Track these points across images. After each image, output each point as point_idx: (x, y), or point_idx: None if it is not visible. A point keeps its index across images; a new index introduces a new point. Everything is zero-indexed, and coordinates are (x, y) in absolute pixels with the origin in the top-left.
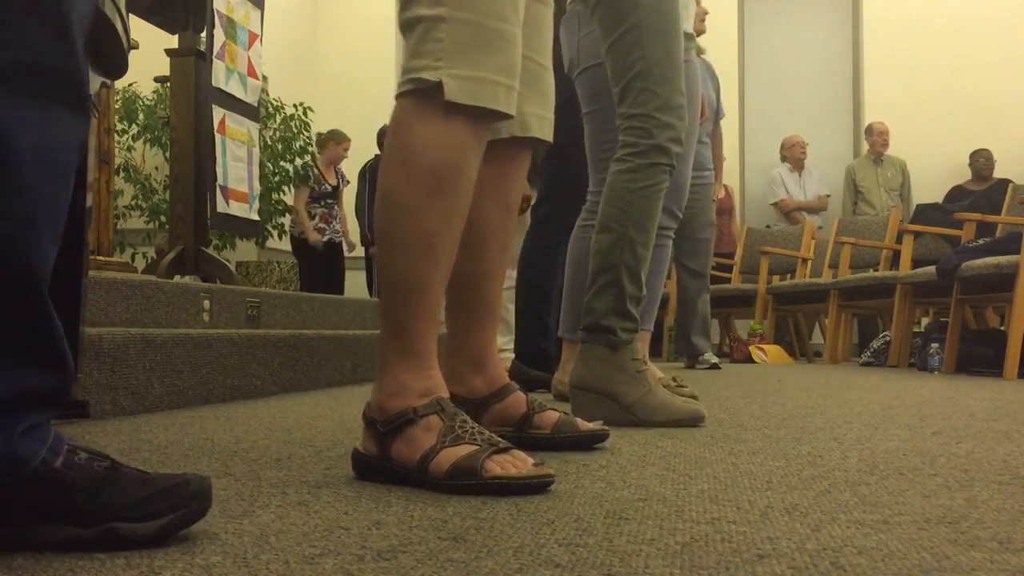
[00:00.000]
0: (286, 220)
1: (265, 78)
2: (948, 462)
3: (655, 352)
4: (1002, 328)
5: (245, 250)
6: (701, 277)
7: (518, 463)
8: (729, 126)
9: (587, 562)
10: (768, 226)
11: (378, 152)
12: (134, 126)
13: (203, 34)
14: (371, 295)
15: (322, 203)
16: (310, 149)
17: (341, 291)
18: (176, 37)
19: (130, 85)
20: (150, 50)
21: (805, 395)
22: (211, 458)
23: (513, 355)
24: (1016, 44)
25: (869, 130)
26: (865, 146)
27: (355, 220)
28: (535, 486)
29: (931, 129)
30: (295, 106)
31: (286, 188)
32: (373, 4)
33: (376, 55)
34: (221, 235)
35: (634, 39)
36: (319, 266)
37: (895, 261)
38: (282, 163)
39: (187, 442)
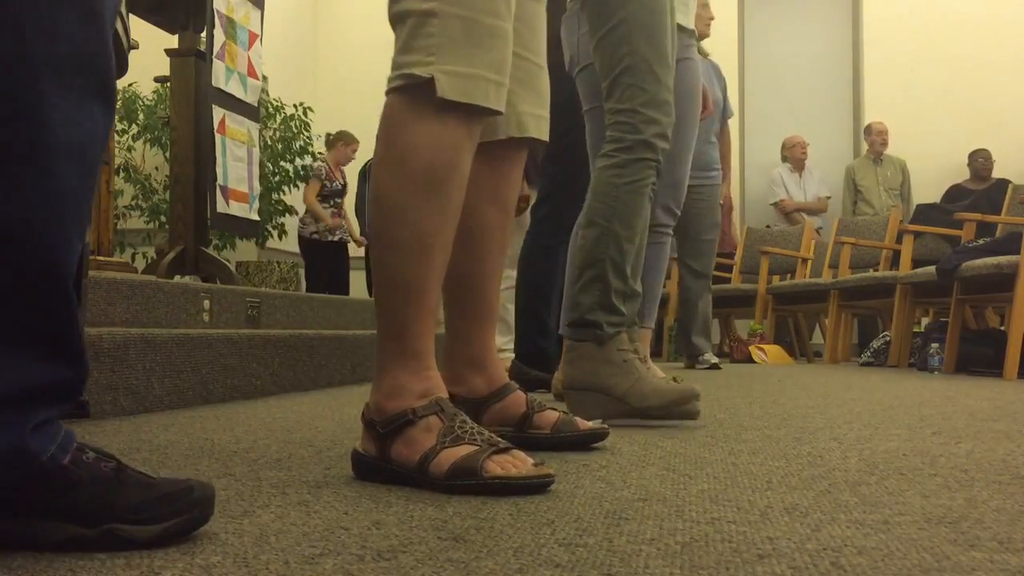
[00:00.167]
0: (286, 220)
1: (265, 78)
2: (948, 462)
3: (655, 352)
4: (1002, 328)
5: (245, 250)
6: (704, 278)
7: (518, 463)
8: (729, 126)
9: (587, 562)
10: (768, 226)
11: None
12: (134, 126)
13: (203, 34)
14: (371, 295)
15: (332, 202)
16: (310, 149)
17: (346, 291)
18: (176, 37)
19: (130, 85)
20: (150, 50)
21: (805, 395)
22: (211, 458)
23: (513, 355)
24: (1016, 44)
25: (868, 130)
26: (865, 146)
27: (355, 220)
28: (535, 486)
29: (931, 129)
30: (295, 106)
31: (286, 188)
32: (373, 4)
33: (376, 55)
34: (221, 235)
35: (622, 34)
36: (326, 266)
37: (895, 261)
38: (282, 163)
39: (187, 442)
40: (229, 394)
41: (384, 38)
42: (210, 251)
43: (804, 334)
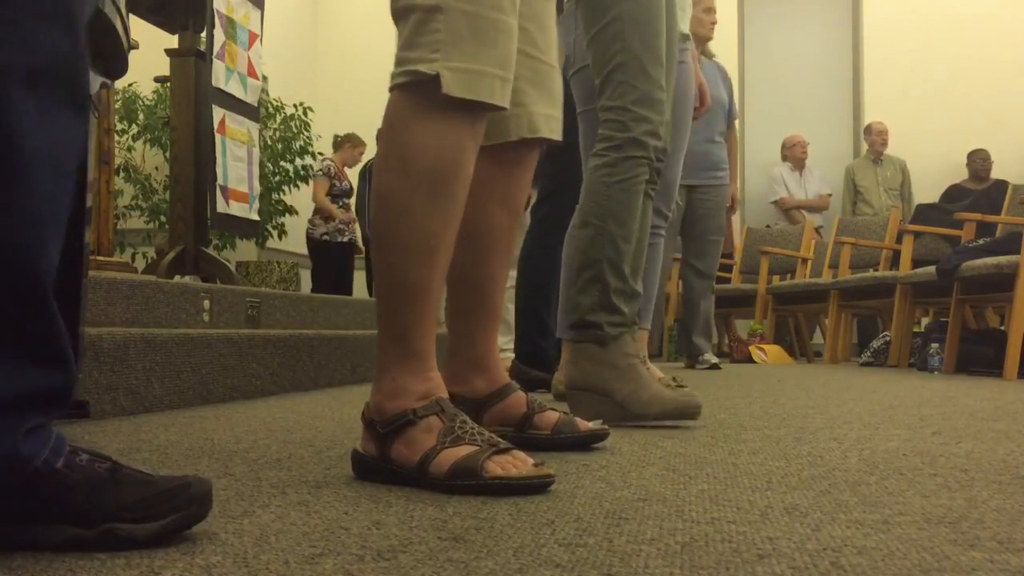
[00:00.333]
0: (286, 220)
1: (265, 78)
2: (948, 462)
3: (655, 352)
4: (1002, 328)
5: (245, 250)
6: (707, 278)
7: (518, 463)
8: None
9: (587, 562)
10: (768, 226)
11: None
12: (134, 126)
13: (203, 34)
14: (371, 295)
15: (340, 202)
16: (310, 149)
17: (350, 292)
18: (176, 37)
19: (130, 85)
20: (150, 50)
21: (805, 395)
22: (211, 458)
23: (513, 355)
24: (1016, 44)
25: (868, 130)
26: (865, 146)
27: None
28: (535, 486)
29: (931, 129)
30: (295, 106)
31: (286, 188)
32: (373, 4)
33: (377, 55)
34: (221, 235)
35: (615, 31)
36: (333, 267)
37: (895, 261)
38: (282, 163)
39: (187, 442)
40: (229, 394)
41: (384, 38)
42: (210, 251)
43: (804, 334)
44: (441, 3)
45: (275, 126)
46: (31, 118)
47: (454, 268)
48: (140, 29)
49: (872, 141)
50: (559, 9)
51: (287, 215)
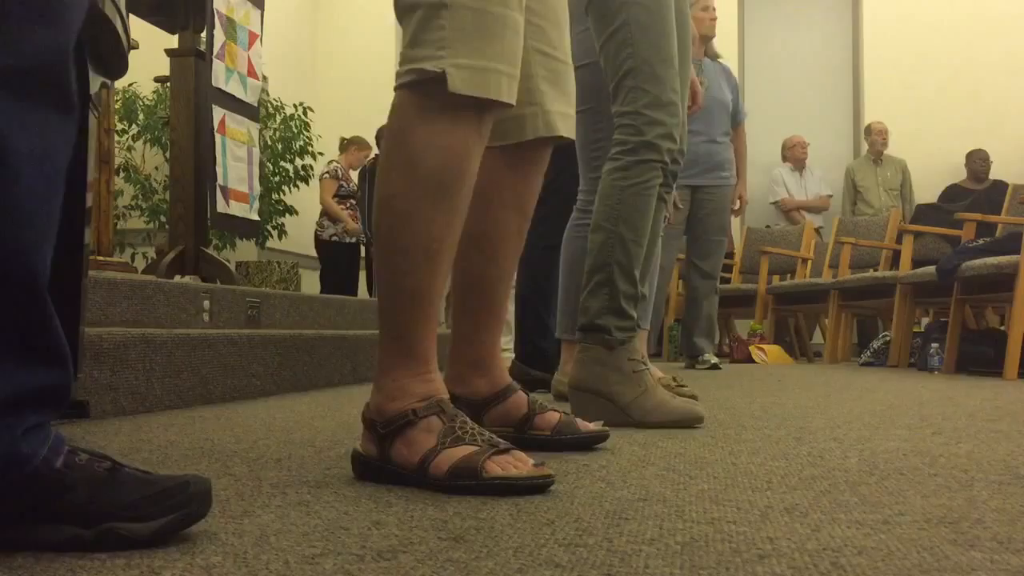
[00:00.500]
0: (286, 220)
1: (265, 78)
2: (948, 462)
3: (655, 352)
4: (1002, 328)
5: (245, 250)
6: (711, 278)
7: (518, 463)
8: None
9: (587, 562)
10: (768, 226)
11: (378, 152)
12: (134, 126)
13: (203, 34)
14: (371, 295)
15: (348, 203)
16: (310, 149)
17: (355, 293)
18: (176, 37)
19: (130, 85)
20: (150, 50)
21: (805, 395)
22: (211, 458)
23: (513, 355)
24: (1016, 44)
25: (869, 130)
26: (865, 146)
27: None
28: (535, 486)
29: (931, 129)
30: (295, 106)
31: (286, 188)
32: (373, 4)
33: (377, 55)
34: (221, 235)
35: (624, 37)
36: (342, 268)
37: (895, 261)
38: (282, 163)
39: (187, 442)
40: (229, 394)
41: (384, 38)
42: (210, 251)
43: (804, 334)
44: None
45: (275, 126)
46: (15, 121)
47: (462, 268)
48: (140, 29)
49: (872, 141)
50: None
51: (287, 215)
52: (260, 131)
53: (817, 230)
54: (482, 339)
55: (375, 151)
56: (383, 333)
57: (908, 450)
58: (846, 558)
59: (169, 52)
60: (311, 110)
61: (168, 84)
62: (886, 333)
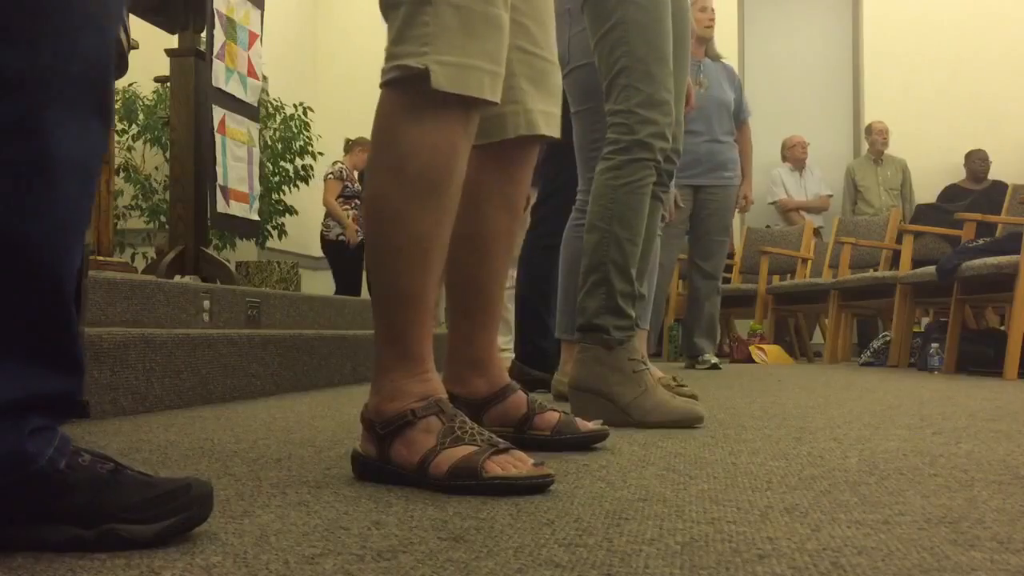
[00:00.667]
0: (286, 220)
1: (265, 78)
2: (948, 462)
3: (653, 351)
4: (1002, 328)
5: (245, 250)
6: (713, 279)
7: (518, 463)
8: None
9: (587, 562)
10: (768, 226)
11: None
12: (134, 126)
13: (203, 34)
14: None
15: (353, 203)
16: (310, 149)
17: (358, 292)
18: (176, 37)
19: (130, 85)
20: (150, 50)
21: (805, 395)
22: (211, 458)
23: (513, 355)
24: (1016, 44)
25: (869, 130)
26: (865, 146)
27: None
28: (535, 486)
29: (931, 129)
30: (295, 106)
31: (286, 188)
32: (373, 4)
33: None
34: (221, 235)
35: (619, 35)
36: (349, 267)
37: (895, 261)
38: (282, 163)
39: (187, 442)
40: (229, 394)
41: (384, 38)
42: (210, 251)
43: (804, 334)
44: None
45: (275, 126)
46: (65, 128)
47: (455, 269)
48: (140, 29)
49: (873, 141)
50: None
51: (287, 215)
52: (260, 131)
53: (817, 230)
54: (479, 339)
55: None
56: (378, 334)
57: (908, 450)
58: (846, 558)
59: (169, 52)
60: (311, 110)
61: (168, 84)
62: (886, 333)
